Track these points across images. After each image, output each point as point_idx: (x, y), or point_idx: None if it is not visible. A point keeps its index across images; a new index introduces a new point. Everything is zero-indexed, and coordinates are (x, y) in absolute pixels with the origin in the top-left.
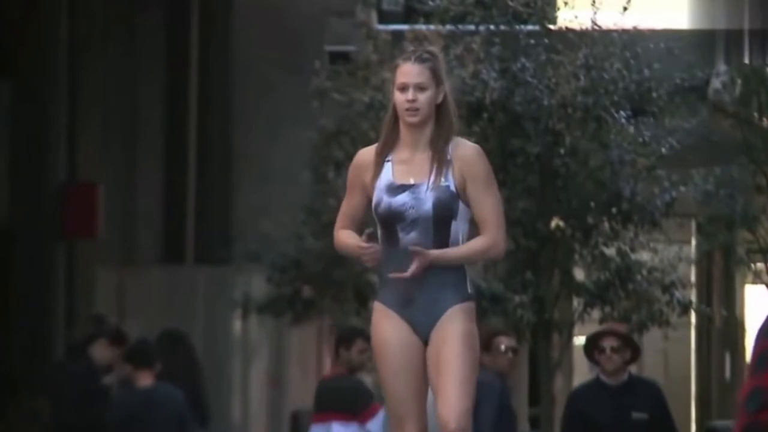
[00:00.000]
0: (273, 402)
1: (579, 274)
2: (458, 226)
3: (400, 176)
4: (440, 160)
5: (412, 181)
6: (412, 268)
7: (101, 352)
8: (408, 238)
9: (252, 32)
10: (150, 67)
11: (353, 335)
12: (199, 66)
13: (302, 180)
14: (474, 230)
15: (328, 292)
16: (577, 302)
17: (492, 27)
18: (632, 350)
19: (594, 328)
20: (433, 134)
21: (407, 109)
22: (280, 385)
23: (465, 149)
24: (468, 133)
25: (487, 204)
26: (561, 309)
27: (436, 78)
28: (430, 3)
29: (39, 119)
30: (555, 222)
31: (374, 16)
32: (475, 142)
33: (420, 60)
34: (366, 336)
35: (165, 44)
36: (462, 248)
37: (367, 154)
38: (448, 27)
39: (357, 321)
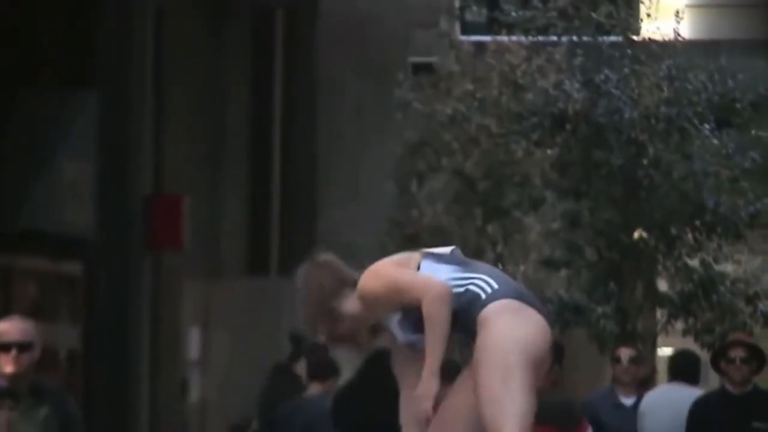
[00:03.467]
0: None
1: (662, 285)
2: None
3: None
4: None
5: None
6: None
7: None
8: None
9: (336, 45)
10: (235, 79)
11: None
12: (284, 78)
13: (386, 192)
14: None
15: None
16: (660, 313)
17: (575, 38)
18: (758, 361)
19: (677, 339)
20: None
21: None
22: None
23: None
24: (551, 144)
25: (402, 286)
26: (644, 320)
27: None
28: (513, 14)
29: (124, 131)
30: (638, 233)
31: (457, 27)
32: (557, 155)
33: None
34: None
35: (250, 56)
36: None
37: None
38: (531, 38)
39: None
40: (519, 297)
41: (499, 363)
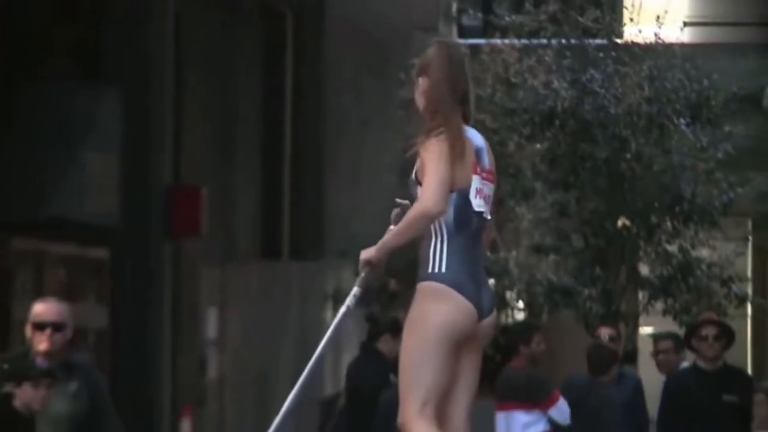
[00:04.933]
0: None
1: (644, 269)
2: None
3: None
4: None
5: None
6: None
7: (387, 345)
8: None
9: (343, 46)
10: (249, 77)
11: (530, 330)
12: (293, 76)
13: (388, 182)
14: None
15: (411, 284)
16: (642, 295)
17: (563, 41)
18: (728, 338)
19: (657, 319)
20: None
21: None
22: None
23: (425, 141)
24: (541, 138)
25: (425, 180)
26: (627, 301)
27: (418, 72)
28: (507, 18)
29: (146, 126)
30: (621, 221)
31: (455, 30)
32: (547, 149)
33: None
34: (540, 328)
35: (262, 56)
36: (398, 226)
37: None
38: (523, 41)
39: None
40: (455, 285)
41: (421, 339)
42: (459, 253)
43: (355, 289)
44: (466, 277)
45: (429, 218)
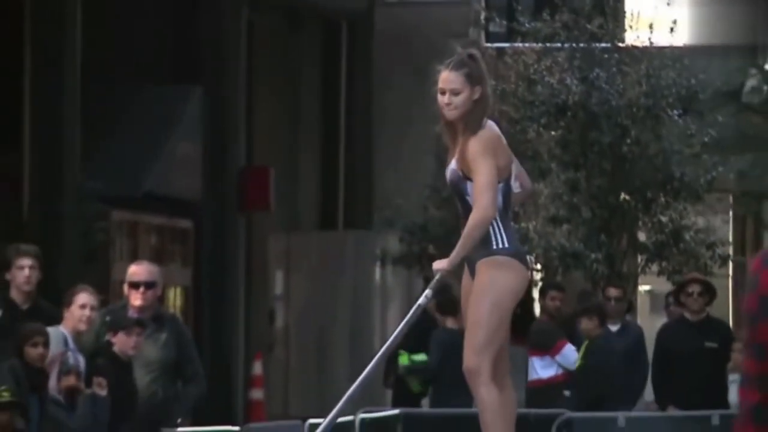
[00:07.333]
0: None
1: (641, 236)
2: None
3: (450, 158)
4: (462, 146)
5: (449, 162)
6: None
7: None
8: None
9: (387, 50)
10: (309, 77)
11: (547, 287)
12: (347, 75)
13: (425, 164)
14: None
15: (447, 249)
16: (640, 258)
17: (574, 44)
18: (710, 294)
19: (653, 279)
20: (462, 126)
21: (445, 110)
22: None
23: (471, 138)
24: (555, 127)
25: (474, 182)
26: (628, 264)
27: (471, 80)
28: (527, 25)
29: (223, 117)
30: (623, 196)
31: (483, 36)
32: (560, 136)
33: (456, 67)
34: (557, 286)
35: (321, 58)
36: (461, 239)
37: None
38: (540, 44)
39: None
40: (518, 257)
41: (497, 303)
42: (510, 227)
43: (428, 291)
44: (519, 245)
45: (487, 224)
